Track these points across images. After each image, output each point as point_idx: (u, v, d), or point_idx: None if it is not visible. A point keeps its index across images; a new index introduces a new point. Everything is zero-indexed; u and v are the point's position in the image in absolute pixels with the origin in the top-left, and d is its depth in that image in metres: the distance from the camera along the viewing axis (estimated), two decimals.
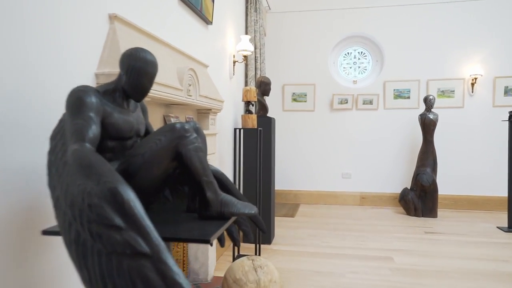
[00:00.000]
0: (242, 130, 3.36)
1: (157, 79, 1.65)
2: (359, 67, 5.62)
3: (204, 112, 2.63)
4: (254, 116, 3.07)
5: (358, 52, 5.60)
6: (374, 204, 5.37)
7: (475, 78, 4.97)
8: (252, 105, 3.15)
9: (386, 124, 5.34)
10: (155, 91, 1.68)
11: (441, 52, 5.14)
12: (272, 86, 5.62)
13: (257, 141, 3.07)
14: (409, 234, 3.94)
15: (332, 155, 5.50)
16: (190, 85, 2.14)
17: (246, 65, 4.19)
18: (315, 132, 5.54)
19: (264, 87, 3.65)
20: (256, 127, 3.09)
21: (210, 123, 2.65)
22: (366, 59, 5.58)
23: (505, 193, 4.99)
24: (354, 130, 5.44)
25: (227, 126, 3.56)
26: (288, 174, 5.62)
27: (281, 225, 4.35)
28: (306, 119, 5.56)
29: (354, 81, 5.58)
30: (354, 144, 5.44)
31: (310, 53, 5.51)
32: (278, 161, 5.63)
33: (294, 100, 5.59)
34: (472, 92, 5.06)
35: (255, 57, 4.22)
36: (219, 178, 1.43)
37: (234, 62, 3.58)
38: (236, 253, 3.15)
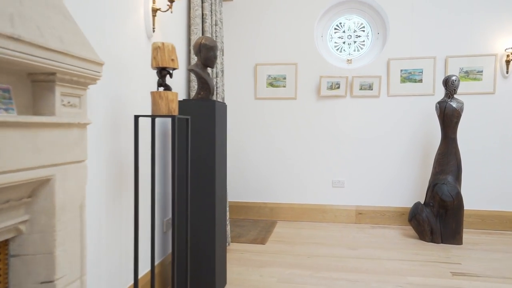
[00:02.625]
0: (153, 119, 2.03)
1: None
2: (354, 42, 4.31)
3: (44, 81, 1.30)
4: (171, 95, 1.74)
5: (354, 23, 4.28)
6: (374, 221, 4.06)
7: None
8: (169, 74, 1.81)
9: (390, 116, 4.03)
10: None
11: (464, 19, 3.83)
12: (241, 66, 4.30)
13: (175, 135, 1.74)
14: (430, 278, 2.63)
15: (319, 157, 4.18)
16: None
17: (189, 26, 2.86)
18: (297, 126, 4.22)
19: (205, 53, 2.31)
20: (174, 112, 1.75)
21: (60, 101, 1.31)
22: (364, 31, 4.26)
23: None
24: (348, 124, 4.12)
25: (130, 112, 2.23)
26: (261, 183, 4.30)
27: (242, 260, 3.03)
28: (286, 110, 4.24)
29: (348, 60, 4.26)
30: (349, 142, 4.12)
31: (291, 23, 4.18)
32: (248, 166, 4.30)
33: (270, 84, 4.26)
34: (507, 72, 3.75)
35: (203, 14, 2.88)
36: None
37: (155, 10, 2.23)
38: None
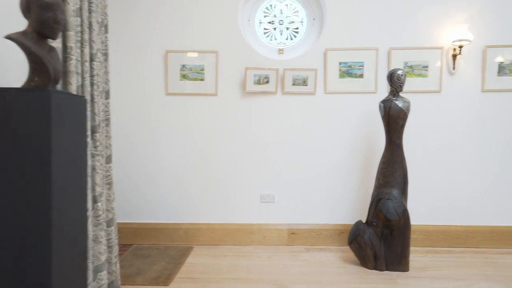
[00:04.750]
0: None
1: None
2: (287, 28, 3.63)
3: None
4: None
5: (286, 6, 3.60)
6: (310, 242, 3.42)
7: (460, 47, 3.22)
8: None
9: (328, 117, 3.41)
10: None
11: (410, 6, 3.33)
12: (147, 53, 3.40)
13: None
14: None
15: (245, 166, 3.45)
16: None
17: None
18: (218, 129, 3.44)
19: (39, 13, 1.42)
20: None
21: None
22: (298, 16, 3.60)
23: (506, 222, 3.33)
24: (279, 126, 3.43)
25: None
26: (174, 198, 3.46)
27: None
28: (204, 108, 3.44)
29: (280, 49, 3.57)
30: (280, 148, 3.44)
31: (211, 3, 3.39)
32: (157, 178, 3.44)
33: (184, 77, 3.43)
34: (454, 68, 3.31)
35: None
36: None
37: None
38: None
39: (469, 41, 3.15)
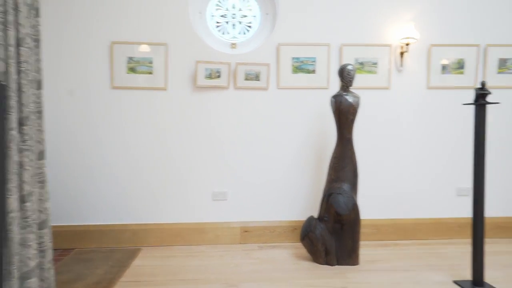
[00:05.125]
0: None
1: None
2: (240, 22, 3.56)
3: None
4: None
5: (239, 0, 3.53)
6: (263, 240, 3.37)
7: (407, 45, 3.31)
8: None
9: (281, 112, 3.38)
10: None
11: (359, 3, 3.37)
12: (91, 43, 3.16)
13: None
14: None
15: (196, 164, 3.33)
16: None
17: None
18: (168, 124, 3.30)
19: None
20: None
21: None
22: (251, 10, 3.54)
23: (449, 214, 3.46)
24: (231, 121, 3.35)
25: None
26: (121, 198, 3.27)
27: None
28: (153, 103, 3.28)
29: (232, 44, 3.49)
30: (232, 144, 3.36)
31: None
32: (102, 176, 3.23)
33: (132, 70, 3.26)
34: (402, 65, 3.40)
35: None
36: None
37: None
38: None
39: (415, 39, 3.24)
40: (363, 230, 3.37)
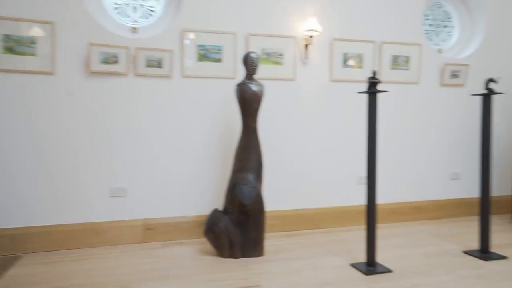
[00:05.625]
0: None
1: None
2: (141, 6, 3.32)
3: None
4: None
5: None
6: (168, 237, 3.17)
7: (311, 37, 3.38)
8: None
9: (186, 101, 3.22)
10: None
11: None
12: None
13: None
14: None
15: (91, 158, 3.01)
16: None
17: None
18: (56, 112, 2.93)
19: None
20: None
21: None
22: None
23: (350, 202, 3.61)
24: (130, 112, 3.10)
25: None
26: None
27: None
28: (40, 90, 2.88)
29: (133, 28, 3.23)
30: (132, 136, 3.10)
31: None
32: None
33: (9, 50, 2.82)
34: (306, 58, 3.47)
35: None
36: None
37: None
38: None
39: (318, 32, 3.32)
40: (270, 222, 3.35)
